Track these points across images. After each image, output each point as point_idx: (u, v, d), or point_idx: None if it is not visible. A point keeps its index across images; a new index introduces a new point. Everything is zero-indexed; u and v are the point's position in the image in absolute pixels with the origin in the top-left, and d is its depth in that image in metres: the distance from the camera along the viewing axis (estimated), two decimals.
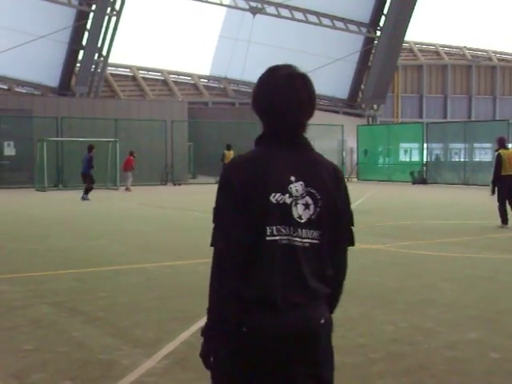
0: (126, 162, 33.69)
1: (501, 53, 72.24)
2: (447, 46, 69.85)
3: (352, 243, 3.23)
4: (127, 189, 32.63)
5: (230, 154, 38.40)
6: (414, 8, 53.45)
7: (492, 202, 17.59)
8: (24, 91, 49.09)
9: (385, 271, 10.86)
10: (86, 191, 26.38)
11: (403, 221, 18.50)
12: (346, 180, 3.25)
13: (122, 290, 9.35)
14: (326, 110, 55.07)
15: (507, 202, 17.05)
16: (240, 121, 44.53)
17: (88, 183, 26.77)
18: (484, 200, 21.21)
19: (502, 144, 17.72)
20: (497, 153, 17.53)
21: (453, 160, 41.41)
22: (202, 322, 7.21)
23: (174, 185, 38.14)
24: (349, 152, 47.97)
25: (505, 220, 17.00)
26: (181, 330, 7.09)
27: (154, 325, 7.42)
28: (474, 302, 8.67)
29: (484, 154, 41.16)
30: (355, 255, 12.42)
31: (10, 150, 36.27)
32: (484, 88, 69.20)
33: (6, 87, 48.53)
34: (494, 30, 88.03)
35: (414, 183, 39.44)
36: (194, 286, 9.59)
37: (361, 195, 28.70)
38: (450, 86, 67.22)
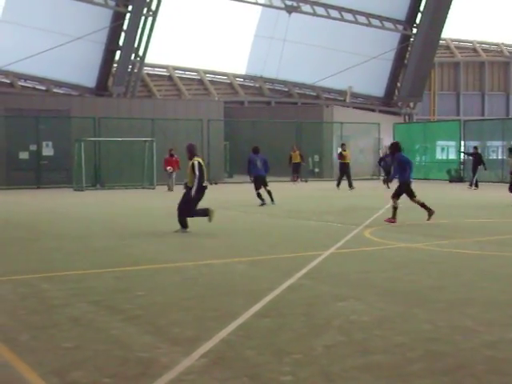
0: (173, 161, 32.81)
1: None
2: (484, 43, 69.17)
3: None
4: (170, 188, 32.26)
5: (297, 155, 38.92)
6: (450, 5, 53.07)
7: None
8: (62, 92, 49.54)
9: (422, 270, 10.79)
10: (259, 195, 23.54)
11: (440, 219, 18.37)
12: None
13: (159, 288, 9.40)
14: (362, 109, 54.88)
15: None
16: (275, 120, 44.56)
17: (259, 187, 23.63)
18: None
19: None
20: None
21: (490, 158, 40.99)
22: (240, 320, 7.27)
23: (211, 184, 38.10)
24: (385, 150, 47.75)
25: None
26: (218, 328, 7.11)
27: (191, 323, 7.45)
28: None
29: None
30: (392, 254, 12.40)
31: (48, 150, 36.63)
32: None
33: (44, 88, 49.00)
34: None
35: (450, 181, 39.14)
36: (231, 284, 9.63)
37: None
38: (487, 83, 66.57)
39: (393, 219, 17.28)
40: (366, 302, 8.38)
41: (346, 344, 6.67)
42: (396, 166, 18.49)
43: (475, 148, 35.26)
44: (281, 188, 34.80)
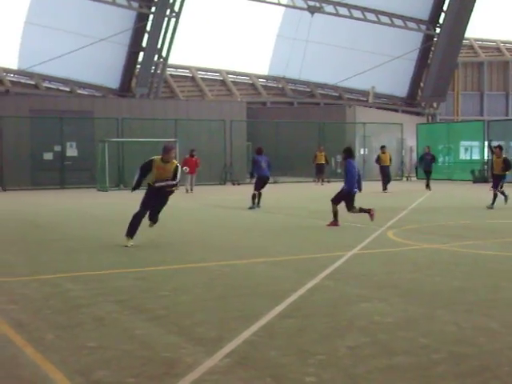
0: (192, 162, 31.90)
1: None
2: (508, 42, 68.69)
3: None
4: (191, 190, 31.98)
5: (322, 156, 38.62)
6: (474, 4, 52.79)
7: None
8: (85, 93, 49.82)
9: (446, 271, 10.75)
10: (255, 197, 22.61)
11: (464, 220, 18.28)
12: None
13: (183, 288, 9.42)
14: (385, 109, 54.71)
15: None
16: (298, 120, 44.53)
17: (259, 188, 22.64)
18: None
19: None
20: None
21: None
22: (264, 321, 7.27)
23: (233, 184, 38.29)
24: (408, 151, 47.59)
25: None
26: (242, 328, 7.12)
27: (215, 323, 7.47)
28: None
29: None
30: (416, 255, 12.35)
31: (72, 151, 36.84)
32: None
33: (68, 89, 49.29)
34: None
35: (474, 182, 38.90)
36: (254, 285, 9.63)
37: (421, 194, 28.49)
38: (511, 82, 66.10)
39: (334, 222, 16.89)
40: (390, 303, 8.36)
41: (370, 345, 6.66)
42: (344, 173, 17.44)
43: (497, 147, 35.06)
44: (304, 188, 34.77)
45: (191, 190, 31.65)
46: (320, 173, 39.46)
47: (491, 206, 21.87)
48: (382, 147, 33.87)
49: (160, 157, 14.04)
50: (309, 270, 10.58)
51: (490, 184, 34.16)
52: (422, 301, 8.51)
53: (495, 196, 22.27)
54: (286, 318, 7.66)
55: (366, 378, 5.76)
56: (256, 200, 22.32)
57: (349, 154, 17.23)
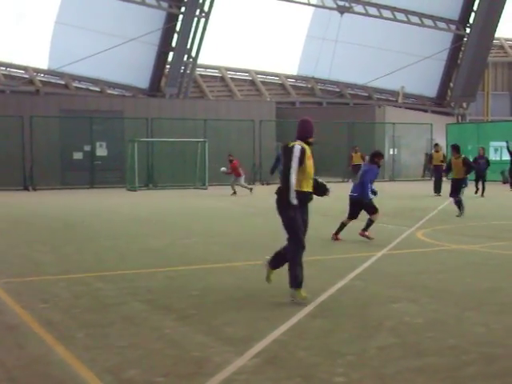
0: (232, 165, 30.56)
1: None
2: None
3: None
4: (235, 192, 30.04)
5: (358, 156, 37.41)
6: (504, 4, 52.34)
7: None
8: (115, 93, 50.05)
9: (477, 272, 10.68)
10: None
11: (494, 221, 18.16)
12: None
13: (212, 288, 9.45)
14: (415, 109, 54.42)
15: None
16: (327, 120, 44.41)
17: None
18: None
19: None
20: None
21: None
22: (293, 321, 7.28)
23: (262, 184, 38.28)
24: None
25: None
26: (271, 328, 7.13)
27: (244, 323, 7.49)
28: None
29: None
30: (445, 255, 12.28)
31: (102, 151, 37.04)
32: None
33: (98, 89, 49.57)
34: None
35: (504, 183, 38.56)
36: (282, 285, 9.63)
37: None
38: None
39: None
40: (419, 304, 8.34)
41: (399, 346, 6.64)
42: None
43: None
44: (336, 188, 34.70)
45: (234, 191, 29.89)
46: (357, 173, 37.46)
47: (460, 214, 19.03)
48: (435, 145, 31.17)
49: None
50: (338, 270, 10.58)
51: None
52: (452, 302, 8.47)
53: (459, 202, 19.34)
54: (316, 317, 7.67)
55: (395, 379, 5.75)
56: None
57: (377, 157, 15.24)
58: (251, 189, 30.52)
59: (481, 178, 28.91)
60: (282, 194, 8.68)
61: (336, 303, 8.39)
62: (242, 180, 30.87)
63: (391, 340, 6.81)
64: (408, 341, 6.79)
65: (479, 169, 28.38)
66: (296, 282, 8.54)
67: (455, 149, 20.28)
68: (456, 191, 19.40)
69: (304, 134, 9.47)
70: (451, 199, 19.47)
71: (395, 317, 7.68)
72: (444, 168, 23.68)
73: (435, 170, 29.98)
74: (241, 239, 14.86)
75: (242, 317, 7.77)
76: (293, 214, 8.64)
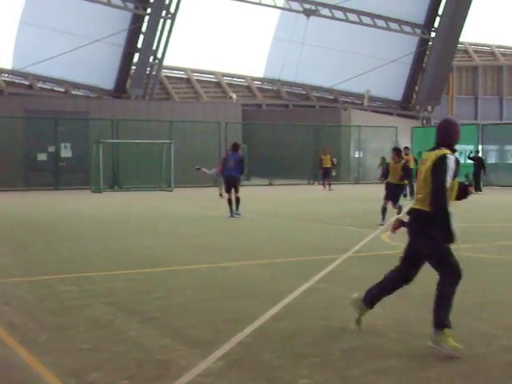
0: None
1: None
2: (503, 47, 68.80)
3: None
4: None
5: (328, 159, 37.09)
6: (469, 8, 52.89)
7: None
8: (80, 94, 49.76)
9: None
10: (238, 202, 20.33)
11: (460, 223, 18.29)
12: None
13: (177, 290, 9.42)
14: (380, 112, 54.78)
15: None
16: (293, 123, 44.52)
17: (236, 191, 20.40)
18: None
19: None
20: None
21: (508, 162, 40.80)
22: (257, 323, 7.26)
23: None
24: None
25: None
26: (236, 331, 7.11)
27: (209, 326, 7.46)
28: None
29: None
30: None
31: (66, 152, 36.81)
32: None
33: (62, 90, 49.24)
34: None
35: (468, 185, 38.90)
36: (247, 287, 9.63)
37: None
38: (505, 87, 66.20)
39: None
40: (383, 306, 8.35)
41: (363, 348, 6.66)
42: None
43: (477, 152, 35.39)
44: (301, 190, 34.78)
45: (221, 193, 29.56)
46: (327, 177, 36.87)
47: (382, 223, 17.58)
48: (404, 148, 28.65)
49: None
50: (303, 273, 10.58)
51: (485, 187, 34.43)
52: (415, 303, 8.52)
53: (385, 210, 18.24)
54: (280, 320, 7.66)
55: (359, 381, 5.76)
56: (233, 206, 20.08)
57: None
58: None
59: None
60: (427, 218, 7.04)
61: (301, 305, 8.40)
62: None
63: (355, 342, 6.83)
64: (372, 343, 6.82)
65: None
66: (446, 322, 6.72)
67: (397, 152, 18.80)
68: (395, 198, 18.16)
69: (452, 140, 7.62)
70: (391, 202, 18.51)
71: None
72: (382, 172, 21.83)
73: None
74: (203, 242, 14.81)
75: (207, 319, 7.75)
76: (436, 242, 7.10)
